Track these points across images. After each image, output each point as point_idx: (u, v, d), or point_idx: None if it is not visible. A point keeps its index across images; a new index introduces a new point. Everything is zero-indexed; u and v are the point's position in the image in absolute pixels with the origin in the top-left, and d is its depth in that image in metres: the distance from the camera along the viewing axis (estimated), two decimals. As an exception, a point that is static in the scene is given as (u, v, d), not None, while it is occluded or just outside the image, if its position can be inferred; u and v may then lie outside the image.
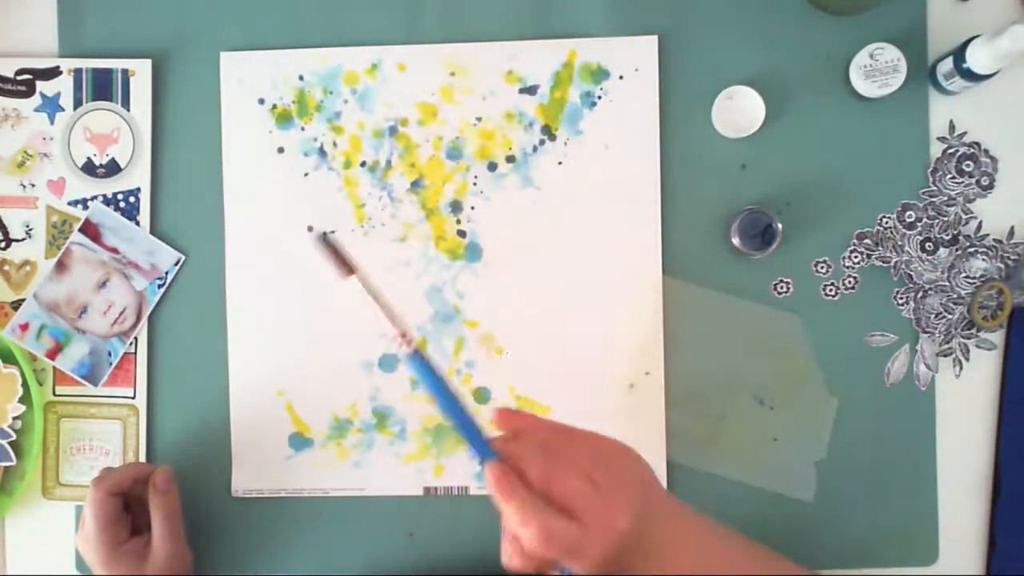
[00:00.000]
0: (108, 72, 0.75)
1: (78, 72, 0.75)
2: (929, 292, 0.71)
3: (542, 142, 0.73)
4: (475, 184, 0.74)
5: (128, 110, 0.75)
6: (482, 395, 0.74)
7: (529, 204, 0.73)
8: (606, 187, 0.73)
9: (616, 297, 0.73)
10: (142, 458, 0.75)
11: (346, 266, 0.58)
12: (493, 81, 0.73)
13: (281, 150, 0.74)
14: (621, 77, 0.73)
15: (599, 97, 0.73)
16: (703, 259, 0.73)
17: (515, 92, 0.73)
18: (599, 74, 0.73)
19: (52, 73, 0.75)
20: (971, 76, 0.67)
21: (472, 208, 0.74)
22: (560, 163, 0.73)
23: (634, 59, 0.73)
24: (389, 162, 0.74)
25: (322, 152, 0.74)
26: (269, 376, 0.75)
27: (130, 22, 0.75)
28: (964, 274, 0.71)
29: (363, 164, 0.74)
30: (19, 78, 0.75)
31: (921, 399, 0.72)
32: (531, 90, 0.73)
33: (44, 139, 0.75)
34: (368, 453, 0.74)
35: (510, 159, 0.73)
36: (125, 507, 0.69)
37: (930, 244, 0.71)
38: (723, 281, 0.73)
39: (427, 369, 0.55)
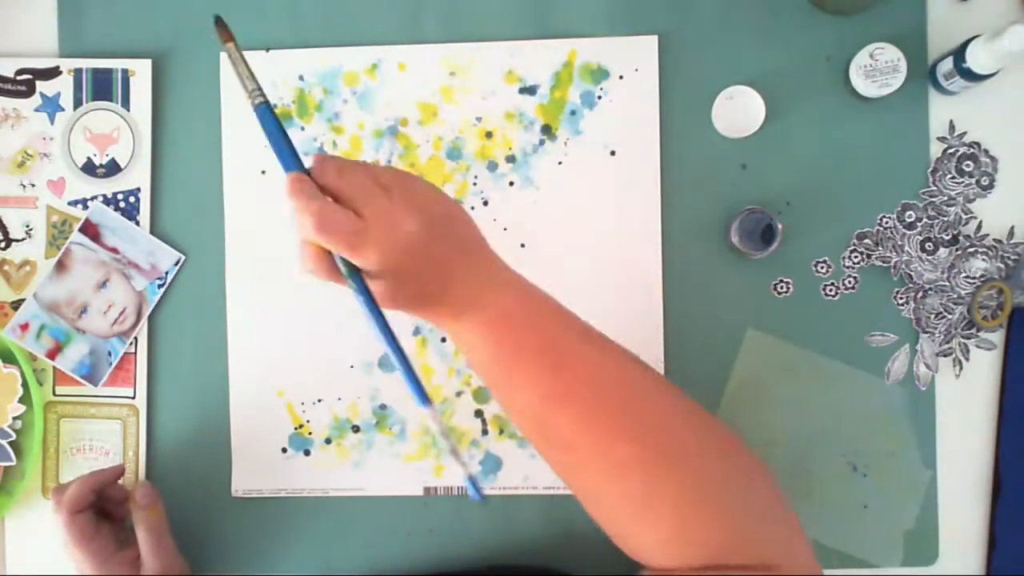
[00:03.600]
0: (108, 72, 0.75)
1: (78, 72, 0.75)
2: (929, 292, 0.71)
3: (542, 142, 0.73)
4: (475, 184, 0.74)
5: (128, 110, 0.75)
6: (482, 395, 0.74)
7: (529, 204, 0.73)
8: (606, 187, 0.73)
9: (616, 297, 0.73)
10: (142, 458, 0.75)
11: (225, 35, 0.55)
12: (493, 81, 0.73)
13: (281, 150, 0.74)
14: (621, 77, 0.73)
15: (599, 97, 0.73)
16: (703, 259, 0.73)
17: (515, 92, 0.73)
18: (599, 74, 0.73)
19: (52, 73, 0.75)
20: (971, 76, 0.67)
21: (472, 208, 0.74)
22: (560, 163, 0.73)
23: (634, 59, 0.73)
24: (389, 162, 0.74)
25: (322, 152, 0.74)
26: (269, 376, 0.75)
27: (130, 22, 0.75)
28: (964, 274, 0.71)
29: (363, 164, 0.74)
30: (19, 78, 0.75)
31: (921, 399, 0.72)
32: (531, 90, 0.73)
33: (44, 139, 0.75)
34: (368, 453, 0.74)
35: (510, 159, 0.73)
36: (104, 516, 0.69)
37: (930, 244, 0.71)
38: (723, 281, 0.73)
39: (272, 121, 0.53)
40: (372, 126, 0.74)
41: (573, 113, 0.73)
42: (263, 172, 0.74)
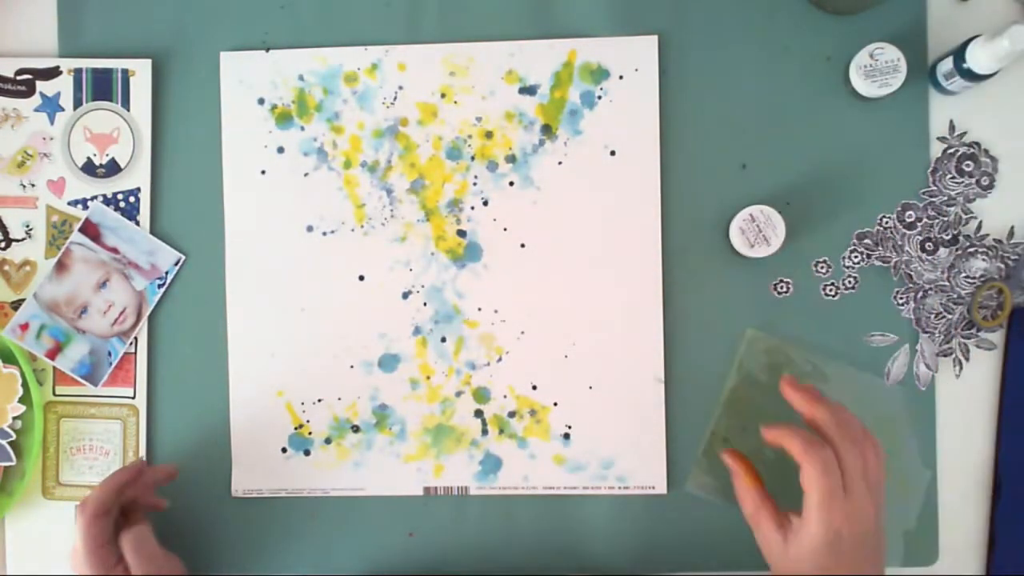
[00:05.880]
0: (108, 72, 0.75)
1: (78, 72, 0.75)
2: (929, 292, 0.71)
3: (542, 142, 0.73)
4: (475, 184, 0.74)
5: (128, 110, 0.75)
6: (482, 395, 0.74)
7: (529, 204, 0.73)
8: (606, 187, 0.73)
9: (616, 297, 0.73)
10: (142, 458, 0.75)
11: None
12: (493, 81, 0.73)
13: (281, 150, 0.74)
14: (621, 77, 0.73)
15: (599, 97, 0.73)
16: (703, 259, 0.73)
17: (515, 92, 0.73)
18: (599, 74, 0.73)
19: (52, 73, 0.75)
20: (971, 76, 0.67)
21: (472, 208, 0.74)
22: (560, 163, 0.73)
23: (634, 59, 0.73)
24: (389, 162, 0.74)
25: (322, 152, 0.74)
26: (269, 376, 0.75)
27: (130, 22, 0.75)
28: (964, 274, 0.71)
29: (363, 164, 0.74)
30: (19, 78, 0.75)
31: (921, 399, 0.72)
32: (531, 90, 0.73)
33: (44, 139, 0.75)
34: (368, 453, 0.74)
35: (510, 159, 0.74)
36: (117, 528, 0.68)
37: (930, 244, 0.71)
38: (723, 281, 0.73)
39: None
40: (372, 126, 0.74)
41: (573, 113, 0.73)
42: (263, 172, 0.74)
